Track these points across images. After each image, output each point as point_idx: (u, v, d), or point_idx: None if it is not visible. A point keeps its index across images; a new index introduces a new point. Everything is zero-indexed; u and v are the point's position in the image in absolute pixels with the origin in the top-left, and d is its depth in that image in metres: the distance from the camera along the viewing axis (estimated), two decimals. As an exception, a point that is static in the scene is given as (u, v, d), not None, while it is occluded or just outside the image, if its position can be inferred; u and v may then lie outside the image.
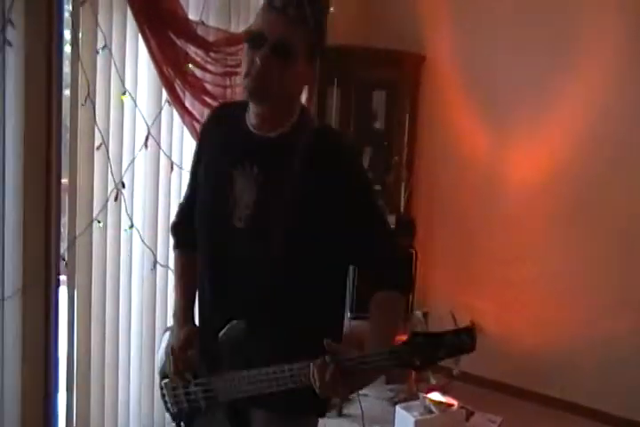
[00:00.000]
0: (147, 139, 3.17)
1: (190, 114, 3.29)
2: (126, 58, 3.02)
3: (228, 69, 3.46)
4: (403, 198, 4.26)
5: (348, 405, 3.86)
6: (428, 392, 3.67)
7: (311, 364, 1.49)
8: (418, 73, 4.30)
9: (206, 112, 3.38)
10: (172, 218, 1.99)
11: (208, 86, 3.37)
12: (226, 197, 1.66)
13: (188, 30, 3.19)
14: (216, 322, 1.68)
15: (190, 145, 3.34)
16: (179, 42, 3.15)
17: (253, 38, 1.58)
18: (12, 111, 2.68)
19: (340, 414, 3.81)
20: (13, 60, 2.65)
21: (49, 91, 2.77)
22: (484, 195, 4.19)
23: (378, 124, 4.39)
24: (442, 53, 4.26)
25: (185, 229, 1.84)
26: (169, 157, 3.31)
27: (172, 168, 3.32)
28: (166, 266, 3.30)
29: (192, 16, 3.25)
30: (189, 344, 1.74)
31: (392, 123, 4.32)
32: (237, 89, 3.57)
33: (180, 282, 1.88)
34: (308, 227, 1.59)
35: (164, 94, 3.19)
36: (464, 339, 1.48)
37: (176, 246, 1.94)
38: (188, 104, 3.28)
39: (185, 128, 3.31)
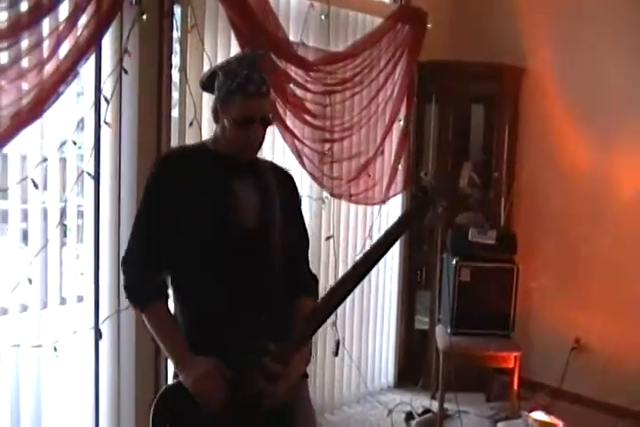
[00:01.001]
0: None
1: (291, 132, 3.39)
2: (231, 80, 3.15)
3: (328, 88, 3.55)
4: (503, 214, 4.20)
5: (449, 421, 3.82)
6: (530, 411, 3.58)
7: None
8: (518, 86, 4.23)
9: (306, 130, 3.49)
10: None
11: (308, 105, 3.47)
12: (231, 205, 1.91)
13: (289, 52, 3.30)
14: (234, 322, 1.88)
15: (291, 161, 3.44)
16: (280, 63, 3.26)
17: (242, 122, 1.87)
18: (126, 131, 2.87)
19: (441, 432, 3.78)
20: (128, 85, 2.84)
21: (159, 113, 2.94)
22: (589, 209, 4.06)
23: (477, 140, 4.35)
24: (542, 65, 4.18)
25: (158, 277, 1.95)
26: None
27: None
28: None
29: (292, 37, 3.36)
30: (218, 372, 1.85)
31: (491, 138, 4.27)
32: (337, 107, 3.67)
33: (171, 331, 1.92)
34: (288, 222, 1.99)
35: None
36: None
37: (154, 300, 1.93)
38: (289, 123, 3.38)
39: (286, 146, 3.42)
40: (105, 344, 2.88)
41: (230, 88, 1.86)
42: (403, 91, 3.94)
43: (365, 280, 3.99)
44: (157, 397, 1.92)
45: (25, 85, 2.50)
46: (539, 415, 3.53)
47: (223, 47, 3.13)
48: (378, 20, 3.78)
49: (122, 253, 2.71)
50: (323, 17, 3.49)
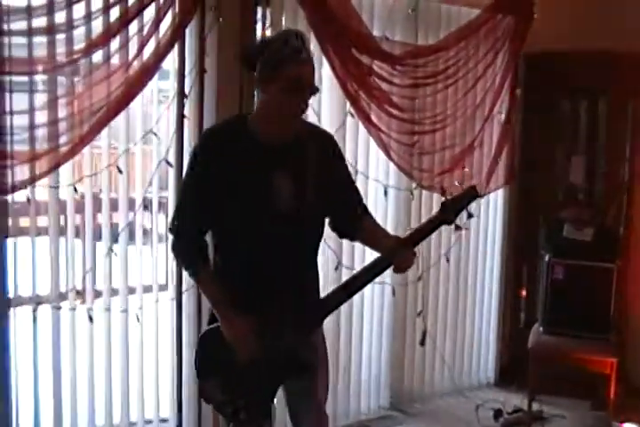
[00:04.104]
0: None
1: (376, 126, 3.46)
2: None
3: (416, 81, 3.58)
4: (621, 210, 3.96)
5: (539, 423, 3.70)
6: (622, 422, 3.36)
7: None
8: (637, 75, 3.94)
9: (393, 123, 3.54)
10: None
11: (395, 98, 3.53)
12: (271, 193, 2.14)
13: (371, 46, 3.38)
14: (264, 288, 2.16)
15: (376, 155, 3.55)
16: (363, 58, 3.36)
17: (294, 88, 2.05)
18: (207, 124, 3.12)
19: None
20: (210, 83, 3.11)
21: (240, 109, 3.18)
22: None
23: (589, 133, 4.12)
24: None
25: (204, 248, 2.24)
26: (353, 166, 3.47)
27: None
28: (351, 267, 3.48)
29: (376, 32, 3.44)
30: (252, 328, 2.16)
31: (611, 131, 4.03)
32: (428, 99, 3.69)
33: (219, 288, 2.23)
34: (322, 204, 2.19)
35: (347, 106, 3.41)
36: (473, 191, 2.25)
37: (203, 265, 2.24)
38: (373, 116, 3.45)
39: (371, 139, 3.51)
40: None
41: (284, 56, 2.05)
42: (504, 82, 3.84)
43: (465, 275, 4.02)
44: (200, 337, 2.34)
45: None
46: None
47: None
48: (474, 12, 3.71)
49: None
50: (410, 11, 3.54)
